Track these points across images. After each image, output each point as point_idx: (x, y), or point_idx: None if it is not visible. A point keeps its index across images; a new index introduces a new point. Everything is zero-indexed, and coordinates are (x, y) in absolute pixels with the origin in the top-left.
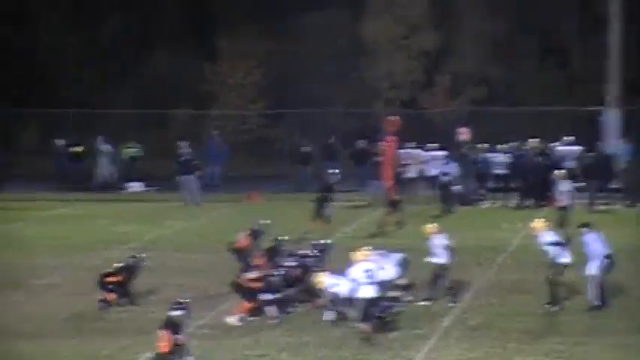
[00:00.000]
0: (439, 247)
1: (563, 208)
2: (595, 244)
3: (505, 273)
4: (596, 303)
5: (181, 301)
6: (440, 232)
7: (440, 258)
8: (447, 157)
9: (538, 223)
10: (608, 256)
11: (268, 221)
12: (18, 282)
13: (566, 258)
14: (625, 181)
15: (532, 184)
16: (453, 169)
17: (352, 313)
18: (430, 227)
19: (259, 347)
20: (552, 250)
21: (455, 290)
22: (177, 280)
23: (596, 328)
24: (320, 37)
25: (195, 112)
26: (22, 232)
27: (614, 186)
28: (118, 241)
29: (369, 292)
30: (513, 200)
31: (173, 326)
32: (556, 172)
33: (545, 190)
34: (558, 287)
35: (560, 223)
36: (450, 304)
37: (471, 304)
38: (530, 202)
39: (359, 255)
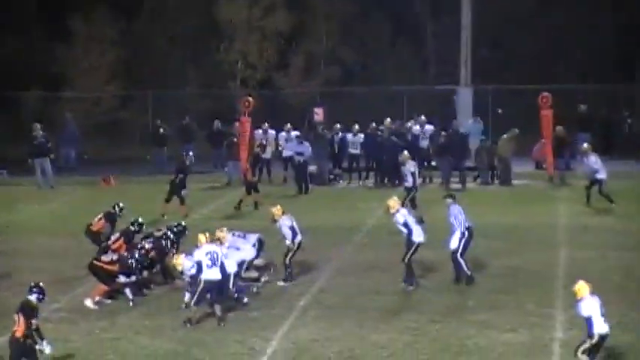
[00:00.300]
0: (285, 228)
1: (410, 189)
2: (459, 215)
3: (361, 253)
4: (469, 273)
5: (37, 284)
6: (285, 213)
7: (287, 239)
8: (299, 137)
9: (393, 202)
10: (468, 229)
11: (122, 204)
12: None
13: (420, 237)
14: (478, 160)
15: (386, 164)
16: (307, 149)
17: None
18: (275, 209)
19: (115, 330)
20: (406, 229)
21: (291, 269)
22: (32, 264)
23: (452, 306)
24: (175, 18)
25: (48, 94)
26: None
27: (467, 165)
28: None
29: (212, 274)
30: (370, 180)
31: (29, 310)
32: (404, 153)
33: (399, 170)
34: (411, 266)
35: (410, 203)
36: (281, 284)
37: (327, 284)
38: (386, 182)
39: (202, 237)
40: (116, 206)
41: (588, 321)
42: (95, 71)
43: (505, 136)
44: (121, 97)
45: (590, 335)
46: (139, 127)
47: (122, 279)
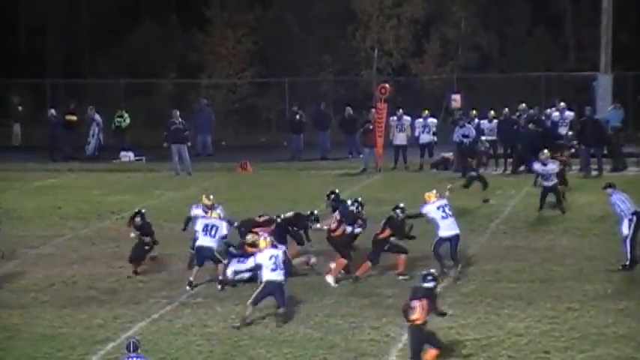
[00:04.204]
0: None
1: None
2: (621, 203)
3: (498, 240)
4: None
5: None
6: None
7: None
8: (462, 121)
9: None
10: (636, 214)
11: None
12: (11, 252)
13: (445, 231)
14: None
15: (523, 151)
16: (472, 131)
17: None
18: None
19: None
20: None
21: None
22: (168, 251)
23: (591, 294)
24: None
25: (185, 80)
26: (14, 203)
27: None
28: (109, 211)
29: (274, 276)
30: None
31: (429, 296)
32: (545, 152)
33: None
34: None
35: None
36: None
37: (464, 271)
38: (522, 168)
39: (262, 243)
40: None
41: None
42: (231, 58)
43: None
44: (257, 83)
45: None
46: (276, 113)
47: None
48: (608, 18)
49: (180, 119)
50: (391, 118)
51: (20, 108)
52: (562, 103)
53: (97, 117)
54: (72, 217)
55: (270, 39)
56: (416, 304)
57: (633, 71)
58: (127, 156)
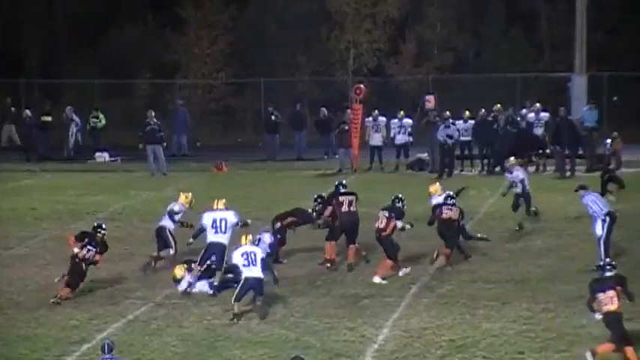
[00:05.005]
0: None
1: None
2: (594, 204)
3: (473, 241)
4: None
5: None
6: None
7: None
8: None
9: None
10: (609, 214)
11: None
12: None
13: None
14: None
15: (499, 152)
16: (455, 132)
17: None
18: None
19: (227, 316)
20: None
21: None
22: (146, 250)
23: (566, 295)
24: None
25: (161, 81)
26: None
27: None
28: (84, 212)
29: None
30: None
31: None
32: (511, 159)
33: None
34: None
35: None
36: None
37: (439, 272)
38: (498, 169)
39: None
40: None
41: None
42: (207, 58)
43: None
44: (232, 84)
45: None
46: (251, 113)
47: None
48: (582, 18)
49: (155, 120)
50: (367, 118)
51: (13, 109)
52: (537, 104)
53: (76, 117)
54: (47, 217)
55: (246, 39)
56: (609, 294)
57: (608, 71)
58: (102, 156)
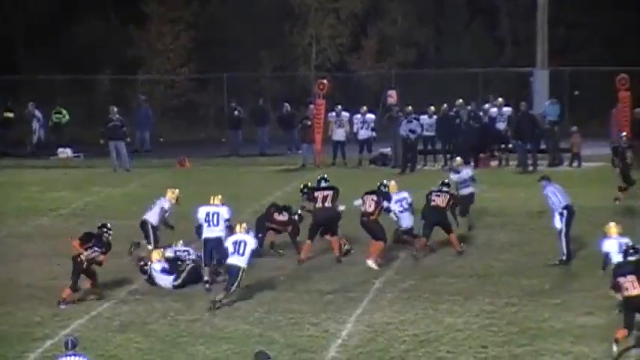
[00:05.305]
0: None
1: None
2: (553, 196)
3: (435, 235)
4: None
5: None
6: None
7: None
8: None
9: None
10: (567, 208)
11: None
12: None
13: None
14: (547, 141)
15: (462, 147)
16: (419, 128)
17: None
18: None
19: (191, 312)
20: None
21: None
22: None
23: (528, 289)
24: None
25: (123, 77)
26: None
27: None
28: (47, 208)
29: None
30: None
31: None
32: (457, 159)
33: (475, 152)
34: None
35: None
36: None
37: (402, 267)
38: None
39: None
40: None
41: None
42: (169, 54)
43: None
44: (195, 79)
45: None
46: (214, 109)
47: None
48: (543, 13)
49: (117, 116)
50: (330, 114)
51: None
52: (500, 99)
53: (38, 113)
54: (9, 214)
55: (209, 35)
56: (629, 278)
57: (570, 66)
58: (65, 152)
